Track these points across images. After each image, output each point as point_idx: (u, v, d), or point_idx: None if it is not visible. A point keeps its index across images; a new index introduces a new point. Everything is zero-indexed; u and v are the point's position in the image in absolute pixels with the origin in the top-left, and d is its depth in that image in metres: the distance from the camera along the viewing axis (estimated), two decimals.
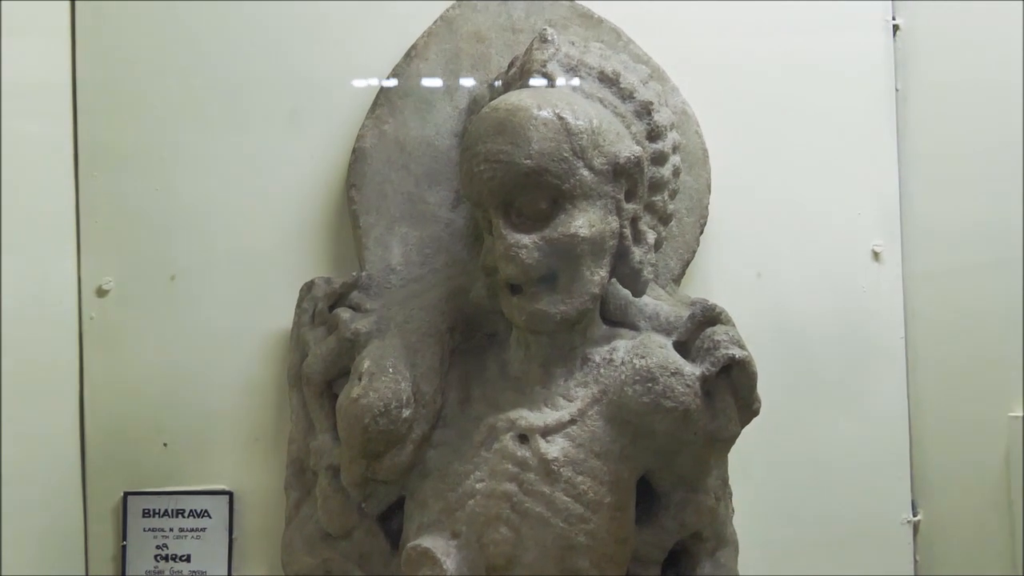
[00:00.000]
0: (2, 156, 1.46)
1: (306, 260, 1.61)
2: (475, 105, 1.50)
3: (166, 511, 1.58)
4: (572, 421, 1.34)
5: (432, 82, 1.56)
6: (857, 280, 1.68)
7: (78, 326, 1.62)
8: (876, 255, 1.68)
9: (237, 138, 1.63)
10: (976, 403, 1.64)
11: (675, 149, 1.45)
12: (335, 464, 1.44)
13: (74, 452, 1.60)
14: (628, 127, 1.40)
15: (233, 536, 1.59)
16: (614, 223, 1.34)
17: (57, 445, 1.59)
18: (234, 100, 1.64)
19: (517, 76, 1.44)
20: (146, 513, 1.58)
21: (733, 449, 1.41)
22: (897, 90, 1.71)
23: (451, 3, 1.59)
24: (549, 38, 1.44)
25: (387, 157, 1.55)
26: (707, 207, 1.57)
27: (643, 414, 1.32)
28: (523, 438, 1.33)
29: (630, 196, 1.36)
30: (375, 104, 1.57)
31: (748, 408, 1.37)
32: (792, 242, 1.67)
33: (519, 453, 1.33)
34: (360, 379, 1.37)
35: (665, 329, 1.40)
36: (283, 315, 1.55)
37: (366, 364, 1.38)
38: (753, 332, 1.42)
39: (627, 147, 1.35)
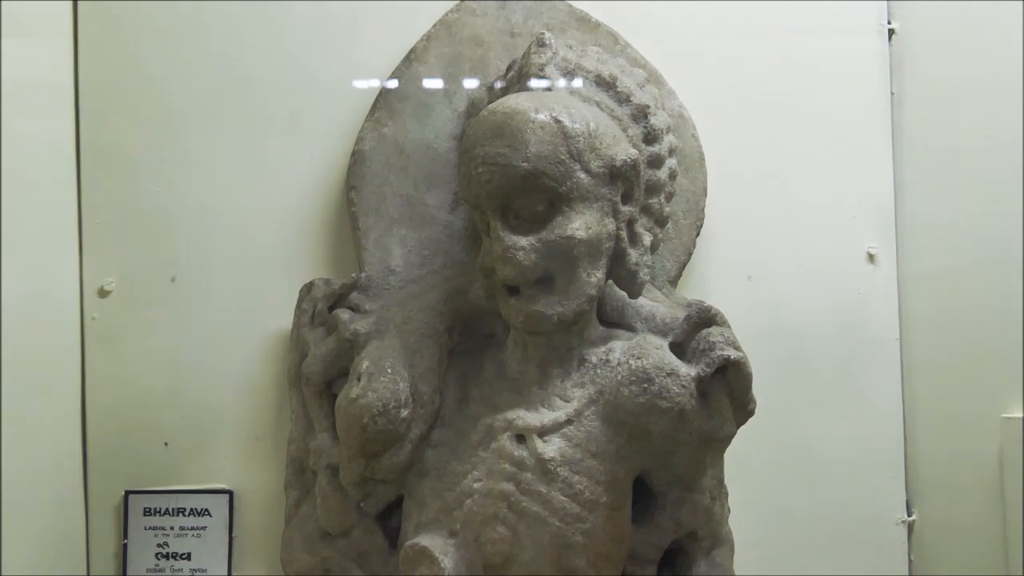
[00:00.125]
0: (5, 158, 1.46)
1: (306, 261, 1.62)
2: (474, 108, 1.51)
3: (167, 510, 1.59)
4: (569, 421, 1.34)
5: (431, 85, 1.57)
6: (852, 282, 1.68)
7: (80, 326, 1.63)
8: (871, 257, 1.69)
9: (238, 140, 1.64)
10: (970, 404, 1.64)
11: (671, 152, 1.46)
12: (334, 463, 1.45)
13: (76, 451, 1.61)
14: (625, 130, 1.41)
15: (233, 535, 1.60)
16: (610, 225, 1.35)
17: (59, 444, 1.59)
18: (235, 102, 1.65)
19: (515, 79, 1.45)
20: (147, 511, 1.59)
21: (729, 449, 1.42)
22: (892, 93, 1.71)
23: (450, 7, 1.60)
24: (547, 42, 1.45)
25: (386, 159, 1.56)
26: (703, 209, 1.58)
27: (639, 414, 1.33)
28: (520, 438, 1.34)
29: (626, 199, 1.37)
30: (375, 107, 1.58)
31: (743, 409, 1.38)
32: (787, 244, 1.67)
33: (516, 453, 1.33)
34: (359, 379, 1.38)
35: (661, 330, 1.41)
36: (283, 316, 1.56)
37: (365, 364, 1.39)
38: (749, 333, 1.42)
39: (624, 150, 1.36)
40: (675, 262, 1.56)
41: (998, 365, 1.62)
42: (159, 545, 1.59)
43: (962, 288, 1.67)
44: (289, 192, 1.64)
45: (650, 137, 1.43)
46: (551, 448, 1.33)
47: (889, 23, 1.71)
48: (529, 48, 1.45)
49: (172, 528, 1.59)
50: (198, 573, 1.58)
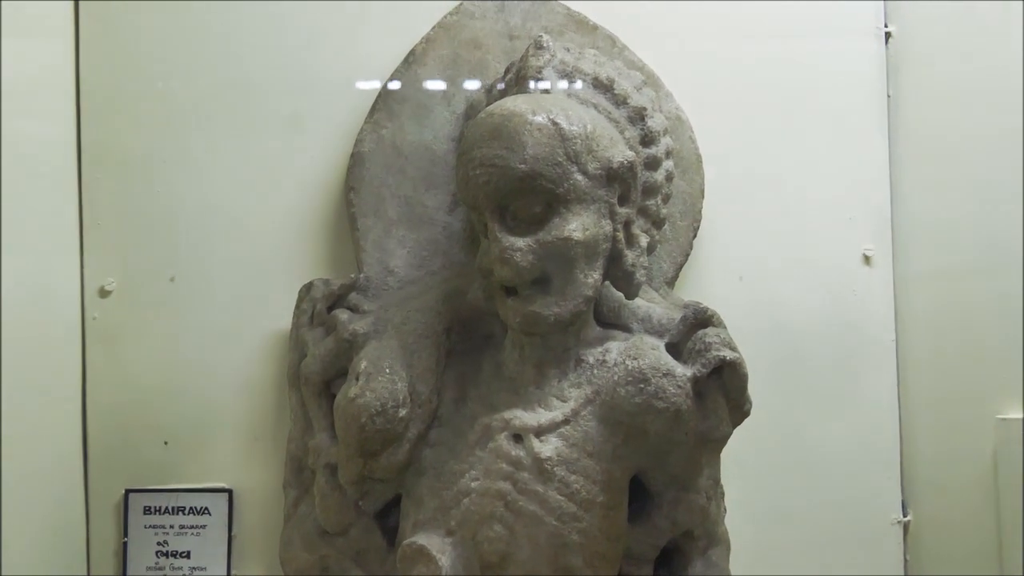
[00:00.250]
0: (6, 157, 1.47)
1: (305, 262, 1.63)
2: (472, 110, 1.51)
3: (167, 508, 1.60)
4: (565, 421, 1.35)
5: (430, 87, 1.58)
6: (848, 283, 1.69)
7: (81, 326, 1.63)
8: (867, 259, 1.69)
9: (238, 141, 1.65)
10: (965, 405, 1.65)
11: (668, 154, 1.47)
12: (333, 462, 1.45)
13: (76, 450, 1.62)
14: (622, 132, 1.41)
15: (232, 533, 1.60)
16: (607, 227, 1.36)
17: (60, 443, 1.60)
18: (236, 103, 1.65)
19: (513, 82, 1.46)
20: (147, 510, 1.60)
21: (725, 450, 1.42)
22: (889, 96, 1.72)
23: (449, 10, 1.60)
24: (545, 44, 1.45)
25: (385, 161, 1.57)
26: (700, 211, 1.59)
27: (635, 414, 1.33)
28: (517, 438, 1.35)
29: (623, 200, 1.37)
30: (374, 109, 1.58)
31: (739, 409, 1.38)
32: (784, 245, 1.68)
33: (513, 452, 1.34)
34: (357, 379, 1.39)
35: (657, 331, 1.41)
36: (282, 316, 1.57)
37: (363, 364, 1.40)
38: (745, 334, 1.43)
39: (620, 152, 1.36)
40: (672, 263, 1.57)
41: (994, 366, 1.63)
42: (159, 543, 1.59)
43: (958, 290, 1.67)
44: (289, 193, 1.64)
45: (647, 139, 1.43)
46: (548, 448, 1.33)
47: (886, 26, 1.72)
48: (527, 50, 1.46)
49: (172, 526, 1.60)
50: (198, 571, 1.59)
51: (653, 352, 1.36)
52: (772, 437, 1.65)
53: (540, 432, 1.34)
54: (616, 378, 1.35)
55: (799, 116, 1.69)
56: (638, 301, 1.45)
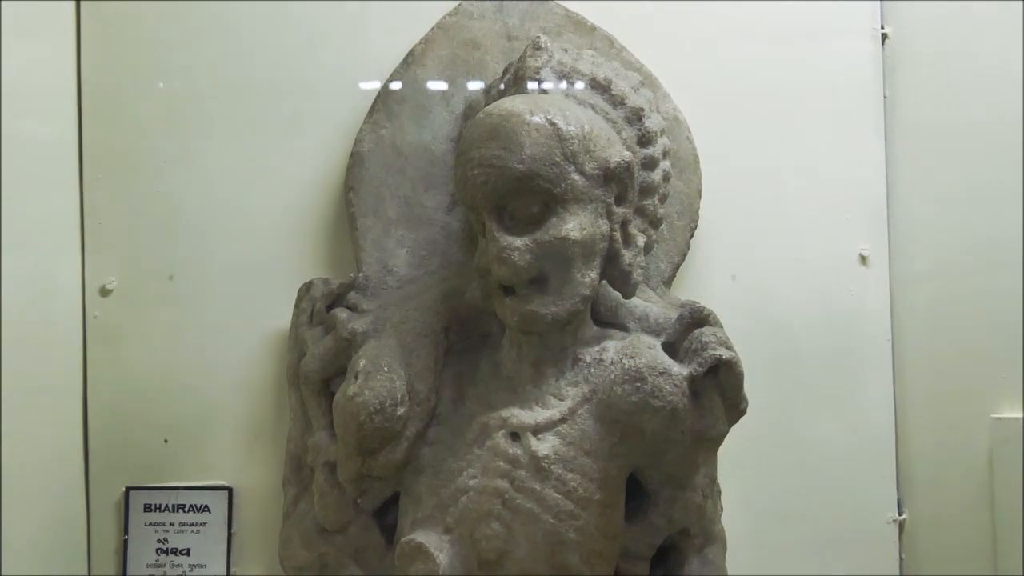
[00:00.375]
0: (7, 157, 1.47)
1: (305, 261, 1.63)
2: (471, 111, 1.52)
3: (167, 506, 1.60)
4: (562, 420, 1.35)
5: (429, 87, 1.58)
6: (844, 283, 1.69)
7: (82, 325, 1.64)
8: (863, 258, 1.70)
9: (238, 141, 1.65)
10: (961, 405, 1.66)
11: (665, 154, 1.47)
12: (332, 460, 1.46)
13: (77, 448, 1.62)
14: (619, 133, 1.42)
15: (232, 530, 1.61)
16: (604, 226, 1.36)
17: (61, 441, 1.60)
18: (236, 103, 1.66)
19: (511, 82, 1.47)
20: (147, 508, 1.60)
21: (722, 448, 1.43)
22: (886, 97, 1.73)
23: (448, 10, 1.61)
24: (543, 45, 1.46)
25: (384, 161, 1.57)
26: (698, 211, 1.59)
27: (632, 413, 1.34)
28: (515, 436, 1.35)
29: (620, 200, 1.38)
30: (373, 109, 1.59)
31: (735, 408, 1.39)
32: (781, 245, 1.68)
33: (511, 451, 1.35)
34: (356, 378, 1.39)
35: (654, 330, 1.42)
36: (282, 315, 1.57)
37: (362, 363, 1.40)
38: (741, 334, 1.43)
39: (617, 152, 1.37)
40: (669, 263, 1.58)
41: (989, 365, 1.64)
42: (159, 541, 1.60)
43: (953, 289, 1.68)
44: (289, 193, 1.65)
45: (644, 140, 1.44)
46: (545, 446, 1.34)
47: (882, 27, 1.73)
48: (525, 51, 1.47)
49: (172, 524, 1.60)
50: (197, 569, 1.59)
51: (650, 351, 1.37)
52: (769, 436, 1.66)
53: (537, 430, 1.35)
54: (613, 377, 1.36)
55: (796, 117, 1.70)
56: (635, 300, 1.45)
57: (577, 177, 1.33)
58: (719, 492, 1.52)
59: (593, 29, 1.60)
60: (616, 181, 1.37)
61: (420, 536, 1.35)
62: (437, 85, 1.58)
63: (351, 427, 1.38)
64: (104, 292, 1.64)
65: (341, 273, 1.58)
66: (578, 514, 1.33)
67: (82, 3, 1.66)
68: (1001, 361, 1.61)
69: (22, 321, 1.49)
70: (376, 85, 1.60)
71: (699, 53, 1.68)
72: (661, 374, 1.34)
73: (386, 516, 1.48)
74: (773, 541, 1.67)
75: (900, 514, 1.70)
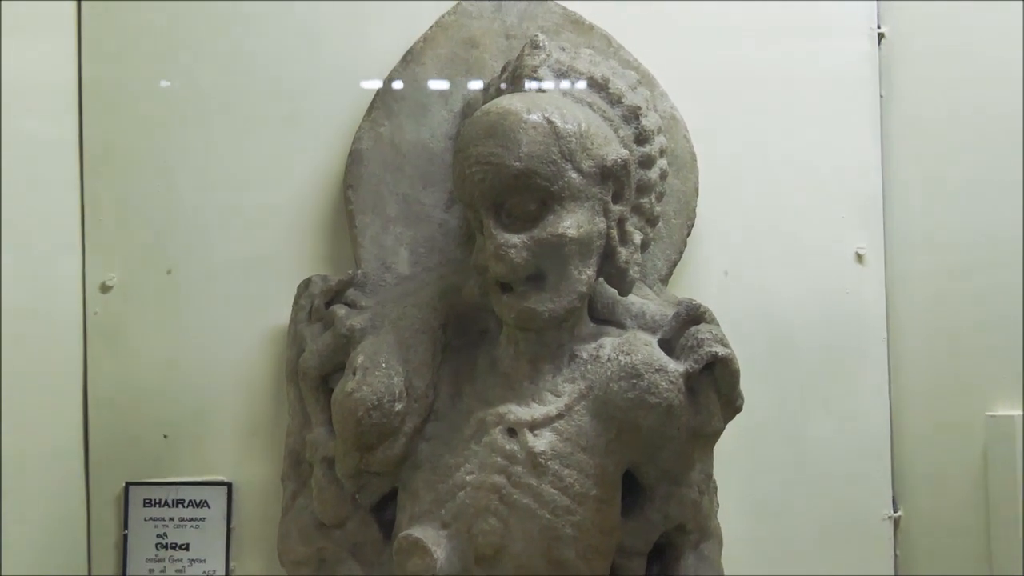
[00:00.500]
0: (8, 155, 1.48)
1: (304, 258, 1.64)
2: (469, 109, 1.52)
3: (166, 501, 1.61)
4: (559, 416, 1.36)
5: (428, 86, 1.58)
6: (841, 281, 1.70)
7: (82, 321, 1.64)
8: (859, 257, 1.70)
9: (238, 138, 1.66)
10: (956, 403, 1.66)
11: (662, 153, 1.48)
12: (330, 456, 1.46)
13: (77, 443, 1.63)
14: (616, 131, 1.42)
15: (231, 526, 1.61)
16: (601, 224, 1.37)
17: (61, 437, 1.61)
18: (235, 101, 1.66)
19: (509, 80, 1.47)
20: (147, 503, 1.61)
21: (718, 445, 1.43)
22: (882, 96, 1.73)
23: (447, 9, 1.61)
24: (540, 44, 1.46)
25: (383, 159, 1.58)
26: (694, 209, 1.60)
27: (628, 409, 1.34)
28: (511, 432, 1.36)
29: (617, 198, 1.39)
30: (372, 107, 1.59)
31: (731, 405, 1.39)
32: (777, 244, 1.69)
33: (507, 446, 1.35)
34: (354, 374, 1.40)
35: (651, 327, 1.43)
36: (281, 312, 1.58)
37: (360, 359, 1.41)
38: (738, 331, 1.44)
39: (614, 150, 1.37)
40: (666, 261, 1.58)
41: (984, 363, 1.64)
42: (159, 536, 1.60)
43: (949, 288, 1.68)
44: (288, 190, 1.65)
45: (641, 138, 1.44)
46: (541, 442, 1.34)
47: (879, 27, 1.73)
48: (523, 50, 1.47)
49: (172, 519, 1.60)
50: (197, 563, 1.60)
51: (646, 348, 1.37)
52: (765, 433, 1.66)
53: (534, 426, 1.35)
54: (609, 373, 1.36)
55: (793, 115, 1.70)
56: (632, 298, 1.46)
57: (574, 175, 1.33)
58: (715, 488, 1.52)
59: (591, 28, 1.61)
60: (613, 179, 1.37)
61: (418, 531, 1.36)
62: (436, 83, 1.59)
63: (349, 423, 1.39)
64: (104, 289, 1.65)
65: (340, 270, 1.58)
66: (574, 510, 1.34)
67: (83, 2, 1.66)
68: (996, 359, 1.62)
69: (22, 318, 1.50)
70: (375, 83, 1.61)
71: (696, 52, 1.68)
72: (657, 371, 1.34)
73: (384, 511, 1.48)
74: (768, 537, 1.67)
75: (895, 511, 1.71)
